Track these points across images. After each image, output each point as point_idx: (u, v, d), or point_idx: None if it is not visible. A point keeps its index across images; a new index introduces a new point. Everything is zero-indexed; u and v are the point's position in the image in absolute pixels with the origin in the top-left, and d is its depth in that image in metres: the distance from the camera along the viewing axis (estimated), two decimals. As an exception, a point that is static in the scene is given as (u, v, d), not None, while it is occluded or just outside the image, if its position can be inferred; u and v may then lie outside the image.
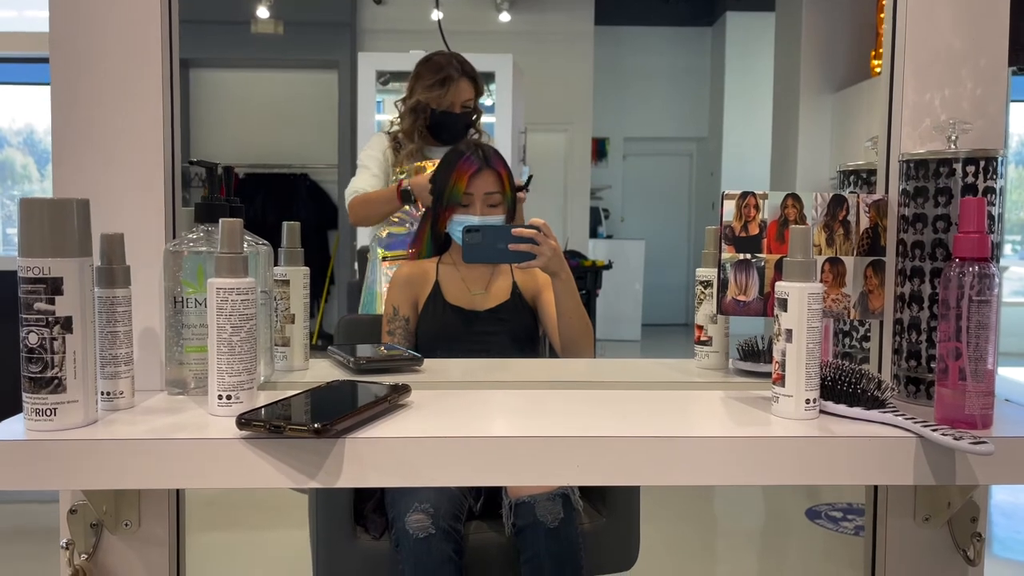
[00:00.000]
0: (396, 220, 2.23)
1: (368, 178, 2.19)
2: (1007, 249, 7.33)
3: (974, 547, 0.96)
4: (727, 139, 7.15)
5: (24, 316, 0.75)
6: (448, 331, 1.67)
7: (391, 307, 1.69)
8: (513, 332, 1.70)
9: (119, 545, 0.94)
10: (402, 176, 2.14)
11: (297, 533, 1.97)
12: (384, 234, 2.26)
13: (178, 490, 0.96)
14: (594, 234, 7.29)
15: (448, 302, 1.69)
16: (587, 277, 5.07)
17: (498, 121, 4.93)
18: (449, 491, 1.49)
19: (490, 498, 1.57)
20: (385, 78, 5.21)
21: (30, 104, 6.33)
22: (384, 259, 2.20)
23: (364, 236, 5.14)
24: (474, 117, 2.22)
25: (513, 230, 1.33)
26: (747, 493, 3.36)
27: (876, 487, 0.99)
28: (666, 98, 7.78)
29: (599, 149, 7.72)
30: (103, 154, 0.93)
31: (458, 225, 1.64)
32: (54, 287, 0.75)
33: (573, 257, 5.33)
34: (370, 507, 1.58)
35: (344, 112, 5.76)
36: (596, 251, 6.67)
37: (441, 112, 2.16)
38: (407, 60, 2.25)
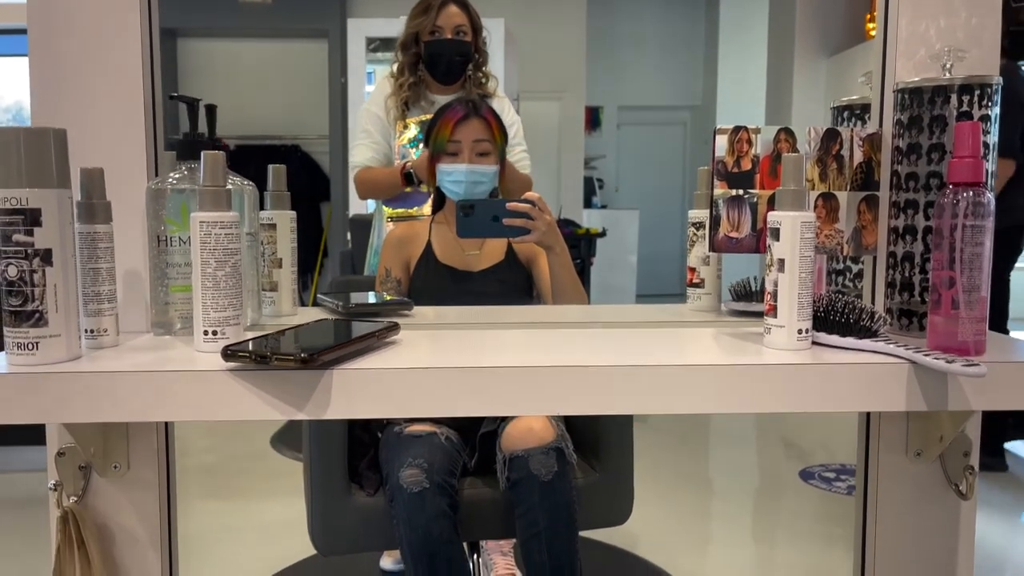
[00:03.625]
0: None
1: (368, 149, 2.14)
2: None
3: (967, 481, 0.96)
4: (721, 106, 7.10)
5: (2, 248, 0.73)
6: (440, 291, 1.66)
7: (384, 268, 1.68)
8: (507, 292, 1.69)
9: (109, 488, 0.93)
10: (404, 140, 2.10)
11: (293, 499, 1.97)
12: None
13: (167, 433, 0.95)
14: (588, 204, 7.26)
15: (441, 262, 1.67)
16: (580, 245, 5.05)
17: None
18: (443, 446, 1.49)
19: (484, 453, 1.56)
20: (375, 45, 5.14)
21: (21, 79, 6.22)
22: (390, 219, 2.16)
23: (356, 206, 5.10)
24: (473, 51, 2.11)
25: (508, 204, 1.32)
26: (741, 454, 3.38)
27: (868, 422, 0.99)
28: (660, 65, 7.72)
29: (593, 118, 7.67)
30: (81, 87, 0.91)
31: (446, 175, 1.62)
32: (32, 218, 0.73)
33: (567, 225, 5.30)
34: (364, 464, 1.57)
35: (335, 82, 5.69)
36: (590, 221, 6.63)
37: (432, 40, 2.08)
38: (398, 27, 2.18)
